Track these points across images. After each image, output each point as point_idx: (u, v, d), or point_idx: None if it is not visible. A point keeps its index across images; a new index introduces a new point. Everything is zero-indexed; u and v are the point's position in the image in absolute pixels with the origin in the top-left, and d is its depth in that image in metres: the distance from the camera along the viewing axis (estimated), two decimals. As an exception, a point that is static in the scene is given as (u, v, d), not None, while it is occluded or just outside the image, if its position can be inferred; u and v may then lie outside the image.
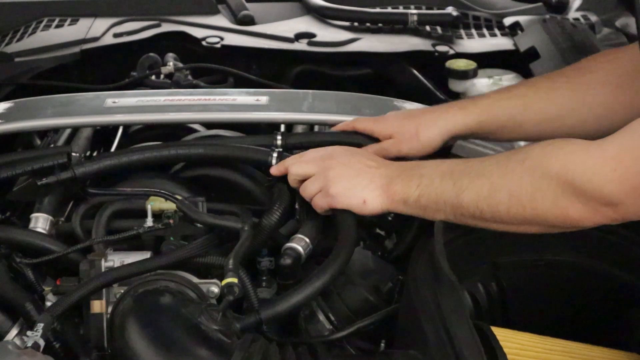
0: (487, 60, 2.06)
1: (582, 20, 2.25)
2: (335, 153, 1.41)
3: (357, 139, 1.53)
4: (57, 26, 2.27)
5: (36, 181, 1.47)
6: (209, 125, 1.82)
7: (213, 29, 2.25)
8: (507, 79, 1.97)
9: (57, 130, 1.81)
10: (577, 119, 1.45)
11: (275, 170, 1.46)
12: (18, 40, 2.22)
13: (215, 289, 1.35)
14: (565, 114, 1.44)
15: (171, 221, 1.39)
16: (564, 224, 1.17)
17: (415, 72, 2.09)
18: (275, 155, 1.48)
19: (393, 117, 1.53)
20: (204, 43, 2.19)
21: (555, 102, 1.44)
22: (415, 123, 1.47)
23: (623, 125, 1.55)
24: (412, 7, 2.36)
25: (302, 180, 1.41)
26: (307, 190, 1.40)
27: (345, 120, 1.57)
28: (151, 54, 2.12)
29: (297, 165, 1.42)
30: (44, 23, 2.28)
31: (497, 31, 2.28)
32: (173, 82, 2.05)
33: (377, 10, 2.31)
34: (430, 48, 2.15)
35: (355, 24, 2.30)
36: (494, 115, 1.46)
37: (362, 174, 1.36)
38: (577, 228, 1.18)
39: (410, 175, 1.31)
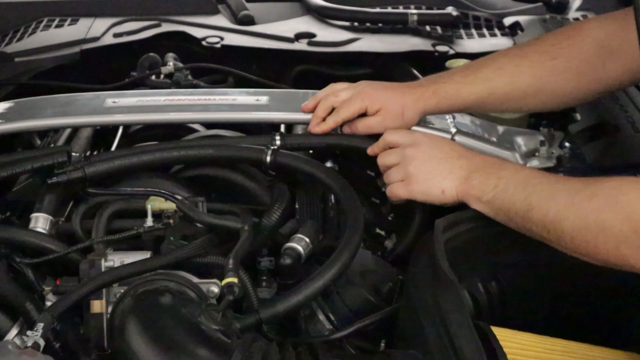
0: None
1: (582, 20, 2.24)
2: (420, 141, 1.44)
3: (356, 142, 1.53)
4: (57, 26, 2.27)
5: (39, 181, 1.47)
6: (209, 125, 1.82)
7: (213, 29, 2.25)
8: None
9: (57, 130, 1.81)
10: (538, 101, 1.55)
11: (371, 151, 1.50)
12: (18, 40, 2.22)
13: (215, 289, 1.34)
14: (527, 97, 1.53)
15: (171, 221, 1.40)
16: (622, 268, 1.17)
17: (415, 72, 2.08)
18: (269, 152, 1.48)
19: (379, 92, 1.55)
20: (204, 43, 2.19)
21: (518, 87, 1.52)
22: (401, 102, 1.52)
23: (580, 105, 1.67)
24: (412, 7, 2.36)
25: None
26: (390, 178, 1.44)
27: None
28: (151, 54, 2.12)
29: (385, 156, 1.46)
30: (44, 23, 2.28)
31: (497, 31, 2.28)
32: (173, 82, 2.05)
33: (377, 10, 2.31)
34: (430, 48, 2.15)
35: (355, 24, 2.30)
36: (462, 99, 1.53)
37: (442, 164, 1.39)
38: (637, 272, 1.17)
39: (489, 174, 1.34)
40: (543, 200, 1.24)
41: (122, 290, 1.31)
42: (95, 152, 1.73)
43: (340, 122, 1.55)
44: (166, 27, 2.25)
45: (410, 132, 1.50)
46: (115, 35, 2.20)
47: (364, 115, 1.54)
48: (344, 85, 1.60)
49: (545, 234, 1.24)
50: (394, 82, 1.63)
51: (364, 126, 1.53)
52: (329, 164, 1.61)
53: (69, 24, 2.28)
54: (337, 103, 1.56)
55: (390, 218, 1.66)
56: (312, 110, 1.58)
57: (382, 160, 1.47)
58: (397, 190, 1.42)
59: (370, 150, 1.51)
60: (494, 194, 1.31)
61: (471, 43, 2.21)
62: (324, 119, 1.56)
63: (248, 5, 2.38)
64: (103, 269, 1.32)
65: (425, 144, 1.43)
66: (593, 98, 1.58)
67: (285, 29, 2.26)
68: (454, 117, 1.64)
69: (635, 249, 1.12)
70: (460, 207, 1.39)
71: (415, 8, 2.34)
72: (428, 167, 1.39)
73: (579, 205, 1.20)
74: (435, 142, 1.45)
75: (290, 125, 1.76)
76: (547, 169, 1.58)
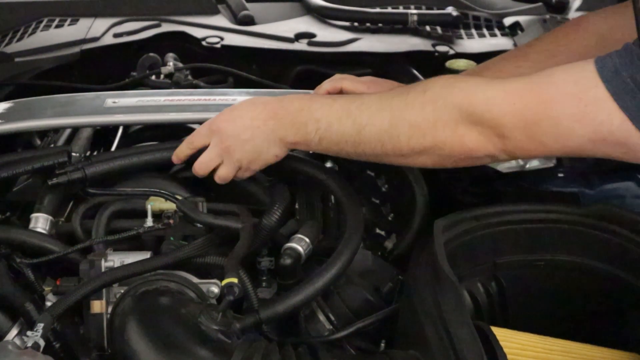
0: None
1: (581, 16, 2.24)
2: (223, 131, 1.40)
3: None
4: (57, 26, 2.27)
5: (39, 181, 1.47)
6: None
7: (213, 29, 2.25)
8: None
9: (57, 130, 1.81)
10: None
11: (175, 159, 1.46)
12: (18, 40, 2.22)
13: (215, 289, 1.35)
14: None
15: (171, 221, 1.40)
16: (459, 153, 1.23)
17: (415, 72, 2.08)
18: None
19: (385, 88, 1.53)
20: (204, 43, 2.19)
21: None
22: None
23: None
24: (412, 7, 2.36)
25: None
26: (223, 177, 1.42)
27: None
28: (151, 54, 2.12)
29: (203, 165, 1.42)
30: (44, 23, 2.28)
31: (497, 31, 2.28)
32: (173, 82, 2.05)
33: (377, 10, 2.31)
34: (430, 48, 2.15)
35: (355, 24, 2.30)
36: None
37: (257, 139, 1.38)
38: (470, 159, 1.24)
39: (305, 122, 1.34)
40: (374, 114, 1.28)
41: (122, 291, 1.31)
42: (95, 152, 1.73)
43: (338, 89, 1.54)
44: (166, 27, 2.25)
45: (206, 124, 1.44)
46: (115, 35, 2.20)
47: None
48: (350, 76, 1.60)
49: (380, 148, 1.27)
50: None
51: None
52: (329, 164, 1.61)
53: (69, 24, 2.28)
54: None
55: (390, 218, 1.66)
56: None
57: (204, 169, 1.42)
58: (242, 175, 1.43)
59: (176, 157, 1.46)
60: (319, 137, 1.33)
61: (471, 43, 2.21)
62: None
63: (248, 5, 2.38)
64: (103, 269, 1.32)
65: (227, 129, 1.40)
66: None
67: (285, 29, 2.26)
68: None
69: (471, 127, 1.19)
70: (460, 207, 1.39)
71: (415, 8, 2.35)
72: (249, 150, 1.39)
73: (413, 102, 1.25)
74: (232, 122, 1.40)
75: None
76: (547, 170, 1.58)
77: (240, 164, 1.41)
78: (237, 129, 1.39)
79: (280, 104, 1.38)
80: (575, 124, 1.13)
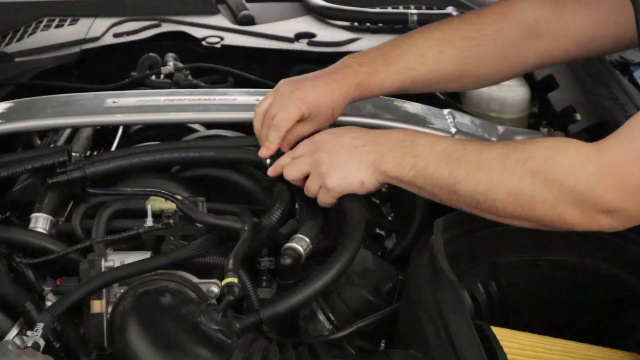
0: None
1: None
2: (322, 143, 1.40)
3: None
4: (57, 26, 2.27)
5: (39, 181, 1.47)
6: (209, 125, 1.82)
7: (213, 29, 2.25)
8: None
9: (57, 130, 1.81)
10: (459, 85, 1.60)
11: (272, 172, 1.46)
12: (18, 40, 2.22)
13: (215, 289, 1.35)
14: (449, 82, 1.55)
15: (171, 221, 1.39)
16: (561, 227, 1.19)
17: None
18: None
19: (309, 94, 1.45)
20: (204, 43, 2.19)
21: (440, 74, 1.51)
22: (330, 103, 1.45)
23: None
24: (412, 7, 2.36)
25: (303, 178, 1.42)
26: (310, 191, 1.41)
27: (344, 120, 1.55)
28: (151, 54, 2.12)
29: (290, 169, 1.42)
30: (44, 23, 2.28)
31: (497, 31, 2.27)
32: (173, 82, 2.05)
33: (377, 10, 2.31)
34: (430, 48, 2.15)
35: (355, 24, 2.30)
36: (385, 89, 1.50)
37: (351, 157, 1.36)
38: (573, 230, 1.19)
39: (404, 154, 1.32)
40: (471, 172, 1.23)
41: (122, 290, 1.31)
42: (95, 152, 1.73)
43: (284, 135, 1.45)
44: (166, 27, 2.25)
45: (314, 136, 1.43)
46: (115, 35, 2.20)
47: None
48: (267, 101, 1.49)
49: (475, 204, 1.24)
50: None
51: (295, 136, 1.46)
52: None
53: (69, 24, 2.28)
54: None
55: (390, 218, 1.66)
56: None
57: (292, 174, 1.42)
58: (323, 199, 1.40)
59: (272, 171, 1.45)
60: (413, 174, 1.30)
61: (471, 43, 2.21)
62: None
63: (248, 5, 2.38)
64: (103, 269, 1.32)
65: (326, 143, 1.39)
66: (512, 78, 1.66)
67: (285, 29, 2.26)
68: (453, 117, 1.65)
69: (573, 206, 1.15)
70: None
71: (415, 8, 2.35)
72: (337, 166, 1.36)
73: (512, 170, 1.19)
74: (335, 137, 1.40)
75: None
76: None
77: (323, 180, 1.37)
78: (335, 144, 1.38)
79: (384, 132, 1.39)
80: None
